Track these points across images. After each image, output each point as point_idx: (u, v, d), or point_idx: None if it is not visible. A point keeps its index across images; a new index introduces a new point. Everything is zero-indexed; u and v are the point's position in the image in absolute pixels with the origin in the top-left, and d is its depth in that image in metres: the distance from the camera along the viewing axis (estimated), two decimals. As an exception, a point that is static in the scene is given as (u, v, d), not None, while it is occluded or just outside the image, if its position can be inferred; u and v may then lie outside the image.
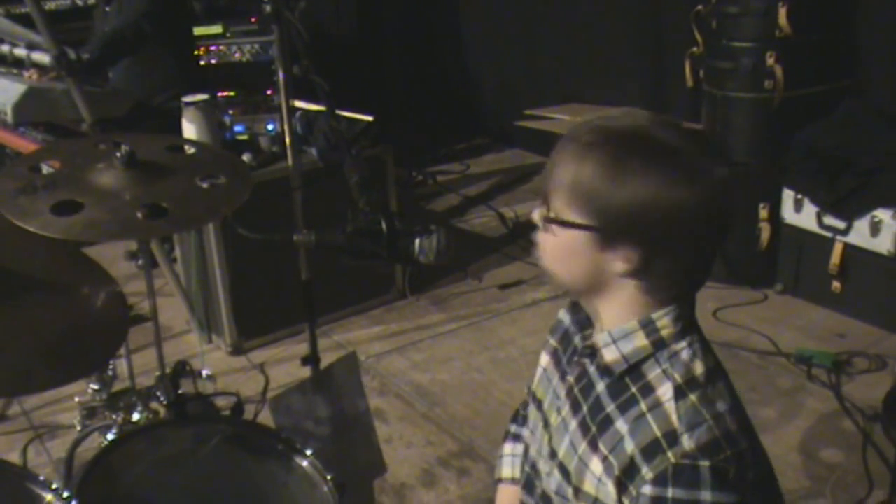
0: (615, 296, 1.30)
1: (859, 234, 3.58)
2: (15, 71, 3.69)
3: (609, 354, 1.31)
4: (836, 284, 3.75)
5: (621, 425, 1.27)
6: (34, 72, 3.64)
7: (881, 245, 3.51)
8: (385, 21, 6.61)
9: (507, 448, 1.73)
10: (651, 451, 1.22)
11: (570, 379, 1.41)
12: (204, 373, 2.35)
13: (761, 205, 3.92)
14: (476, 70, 6.32)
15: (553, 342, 1.53)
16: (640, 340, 1.29)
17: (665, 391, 1.26)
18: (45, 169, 2.00)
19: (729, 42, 3.85)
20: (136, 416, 2.22)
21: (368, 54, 6.44)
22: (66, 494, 1.63)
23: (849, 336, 3.64)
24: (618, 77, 5.19)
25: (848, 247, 3.64)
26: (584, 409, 1.35)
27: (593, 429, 1.31)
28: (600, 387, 1.33)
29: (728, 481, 1.20)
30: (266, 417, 2.36)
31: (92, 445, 2.28)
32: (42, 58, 3.41)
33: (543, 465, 1.45)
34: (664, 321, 1.29)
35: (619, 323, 1.31)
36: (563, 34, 5.50)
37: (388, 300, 4.11)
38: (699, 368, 1.27)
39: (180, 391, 2.23)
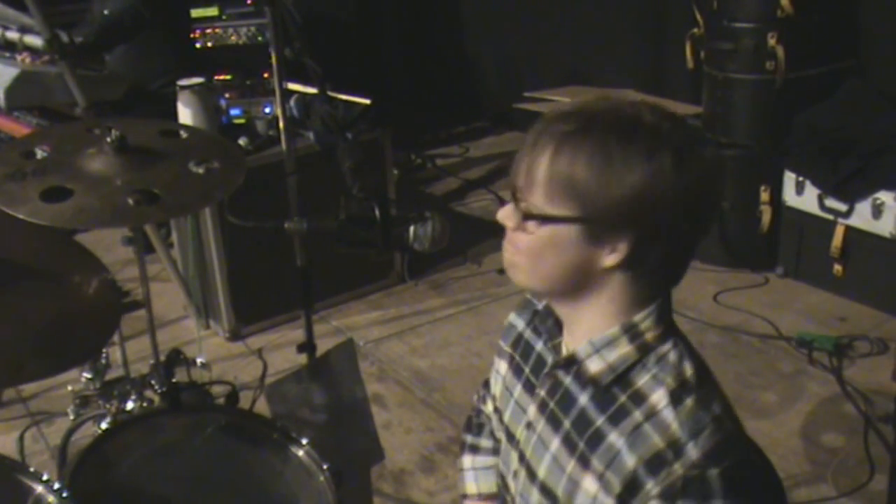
0: (597, 295, 1.23)
1: (861, 216, 3.56)
2: (7, 54, 3.66)
3: (594, 365, 1.23)
4: (837, 267, 3.72)
5: (615, 438, 1.19)
6: (27, 55, 3.60)
7: (883, 228, 3.49)
8: (384, 3, 6.56)
9: (467, 461, 1.64)
10: (655, 463, 1.15)
11: (542, 393, 1.32)
12: (199, 360, 2.33)
13: (762, 187, 3.89)
14: (475, 52, 6.28)
15: (507, 348, 1.45)
16: (624, 347, 1.22)
17: (659, 398, 1.18)
18: (40, 154, 1.97)
19: (730, 22, 3.81)
20: (129, 405, 2.20)
21: (367, 36, 6.40)
22: (56, 486, 1.61)
23: (850, 319, 3.62)
24: (618, 58, 5.15)
25: (849, 230, 3.62)
26: (566, 424, 1.27)
27: (581, 445, 1.23)
28: (583, 399, 1.25)
29: (738, 487, 1.15)
30: (264, 404, 2.34)
31: (88, 433, 2.26)
32: (34, 41, 3.38)
33: (513, 482, 1.38)
34: (647, 323, 1.22)
35: (599, 329, 1.23)
36: (564, 16, 5.46)
37: (387, 285, 4.08)
38: (689, 370, 1.20)
39: (174, 380, 2.21)
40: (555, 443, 1.28)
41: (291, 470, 1.95)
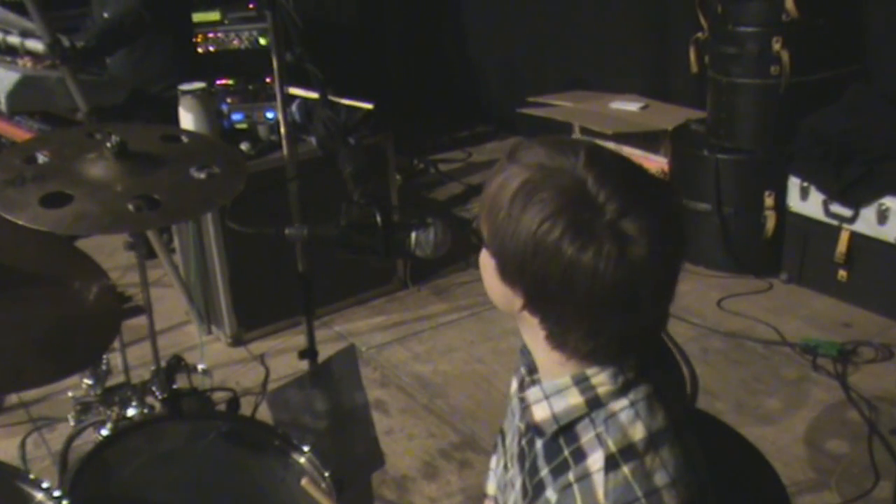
0: (532, 336, 1.18)
1: (866, 222, 3.54)
2: (9, 59, 3.65)
3: (539, 412, 1.18)
4: (842, 273, 3.71)
5: (551, 494, 1.14)
6: (28, 60, 3.60)
7: (888, 233, 3.47)
8: (386, 7, 6.56)
9: (493, 461, 1.62)
10: None
11: (521, 426, 1.27)
12: (200, 367, 2.32)
13: (767, 192, 3.88)
14: (478, 56, 6.27)
15: (522, 367, 1.36)
16: (574, 398, 1.14)
17: (595, 460, 1.11)
18: (41, 159, 1.97)
19: (735, 27, 3.80)
20: (130, 412, 2.19)
21: (369, 41, 6.40)
22: (56, 494, 1.60)
23: (855, 325, 3.60)
24: (622, 63, 5.14)
25: (854, 235, 3.60)
26: (526, 466, 1.22)
27: (529, 492, 1.19)
28: (538, 444, 1.20)
29: None
30: (265, 410, 2.33)
31: (89, 440, 2.25)
32: (36, 45, 3.37)
33: None
34: (600, 377, 1.14)
35: (550, 373, 1.18)
36: (567, 20, 5.45)
37: (390, 290, 4.07)
38: (639, 433, 1.11)
39: (175, 386, 2.20)
40: (518, 482, 1.26)
41: (293, 477, 1.94)
